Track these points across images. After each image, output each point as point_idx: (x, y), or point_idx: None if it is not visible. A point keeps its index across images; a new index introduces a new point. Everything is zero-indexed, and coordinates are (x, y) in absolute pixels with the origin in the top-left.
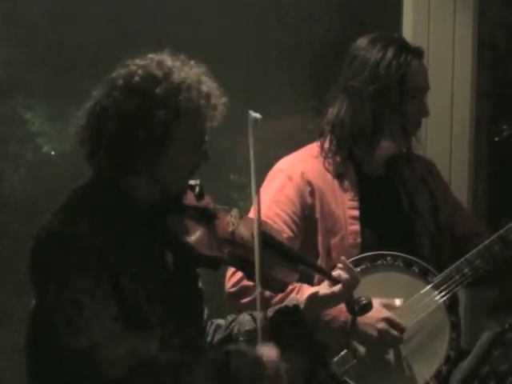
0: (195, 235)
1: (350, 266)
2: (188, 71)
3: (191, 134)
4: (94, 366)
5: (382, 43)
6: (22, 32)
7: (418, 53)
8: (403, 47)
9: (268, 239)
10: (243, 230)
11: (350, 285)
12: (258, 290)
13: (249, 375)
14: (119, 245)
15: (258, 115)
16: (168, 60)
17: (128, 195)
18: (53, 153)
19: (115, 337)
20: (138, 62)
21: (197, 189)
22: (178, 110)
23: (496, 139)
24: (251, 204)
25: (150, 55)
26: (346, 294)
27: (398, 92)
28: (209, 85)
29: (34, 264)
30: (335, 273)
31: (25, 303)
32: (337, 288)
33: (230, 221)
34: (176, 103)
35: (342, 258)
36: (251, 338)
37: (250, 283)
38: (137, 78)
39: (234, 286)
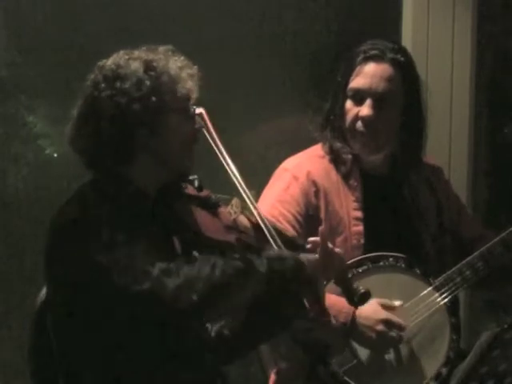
0: (202, 220)
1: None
2: (155, 52)
3: (178, 101)
4: (161, 303)
5: (359, 46)
6: (25, 34)
7: (375, 55)
8: (363, 50)
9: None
10: (244, 219)
11: (328, 260)
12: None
13: (290, 274)
14: (128, 232)
15: (200, 109)
16: (134, 51)
17: (132, 184)
18: (55, 154)
19: (170, 271)
20: (104, 60)
21: (196, 182)
22: (160, 78)
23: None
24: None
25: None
26: (328, 271)
27: (341, 93)
28: (177, 58)
29: (53, 253)
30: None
31: (29, 301)
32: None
33: (231, 209)
34: (156, 74)
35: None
36: None
37: None
38: (113, 66)
39: None
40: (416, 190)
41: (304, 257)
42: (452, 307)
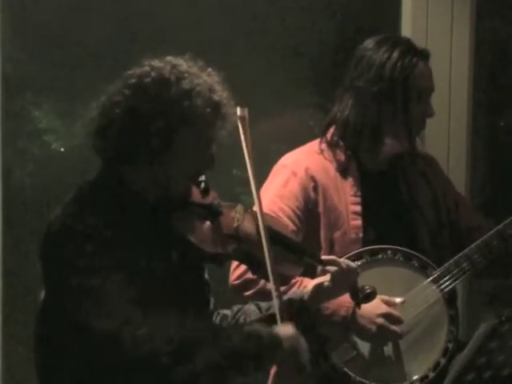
0: (199, 233)
1: (337, 260)
2: (202, 78)
3: (194, 141)
4: (120, 349)
5: (389, 44)
6: (31, 30)
7: (424, 55)
8: (409, 49)
9: (272, 234)
10: (248, 226)
11: (345, 276)
12: (271, 278)
13: (266, 352)
14: (124, 238)
15: (244, 111)
16: (184, 65)
17: (133, 190)
18: (61, 149)
19: (138, 318)
20: (153, 63)
21: (202, 184)
22: (182, 116)
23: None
24: (253, 199)
25: (168, 58)
26: (344, 285)
27: (403, 93)
28: (220, 94)
29: (46, 256)
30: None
31: (34, 296)
32: (331, 279)
33: (234, 216)
34: (180, 109)
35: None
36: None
37: (254, 276)
38: (148, 80)
39: (237, 278)
40: (413, 184)
41: (282, 332)
42: (450, 299)
